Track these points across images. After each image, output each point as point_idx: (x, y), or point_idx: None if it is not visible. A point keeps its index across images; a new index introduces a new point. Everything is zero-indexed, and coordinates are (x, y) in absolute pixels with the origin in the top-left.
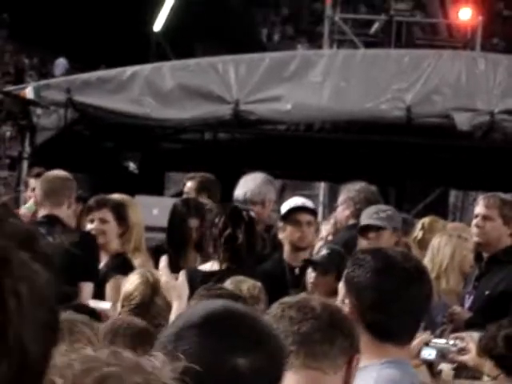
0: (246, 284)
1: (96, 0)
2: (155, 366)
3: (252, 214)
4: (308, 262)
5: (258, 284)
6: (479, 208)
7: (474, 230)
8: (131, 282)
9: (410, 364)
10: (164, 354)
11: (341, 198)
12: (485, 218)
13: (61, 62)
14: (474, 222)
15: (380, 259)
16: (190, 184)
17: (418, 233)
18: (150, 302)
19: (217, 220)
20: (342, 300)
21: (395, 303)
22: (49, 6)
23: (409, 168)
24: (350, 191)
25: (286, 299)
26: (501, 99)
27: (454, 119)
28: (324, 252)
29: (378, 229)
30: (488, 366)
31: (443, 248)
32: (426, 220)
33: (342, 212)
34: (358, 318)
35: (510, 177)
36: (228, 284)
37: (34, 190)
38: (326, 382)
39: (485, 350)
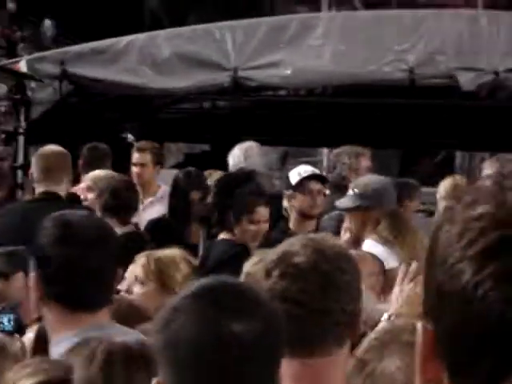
0: None
1: None
2: None
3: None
4: None
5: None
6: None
7: None
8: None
9: (113, 325)
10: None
11: None
12: None
13: (48, 24)
14: None
15: (59, 227)
16: (139, 156)
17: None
18: None
19: None
20: None
21: (76, 270)
22: None
23: (413, 130)
24: None
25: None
26: (505, 57)
27: (458, 79)
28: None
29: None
30: None
31: None
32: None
33: None
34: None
35: None
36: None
37: None
38: None
39: None
